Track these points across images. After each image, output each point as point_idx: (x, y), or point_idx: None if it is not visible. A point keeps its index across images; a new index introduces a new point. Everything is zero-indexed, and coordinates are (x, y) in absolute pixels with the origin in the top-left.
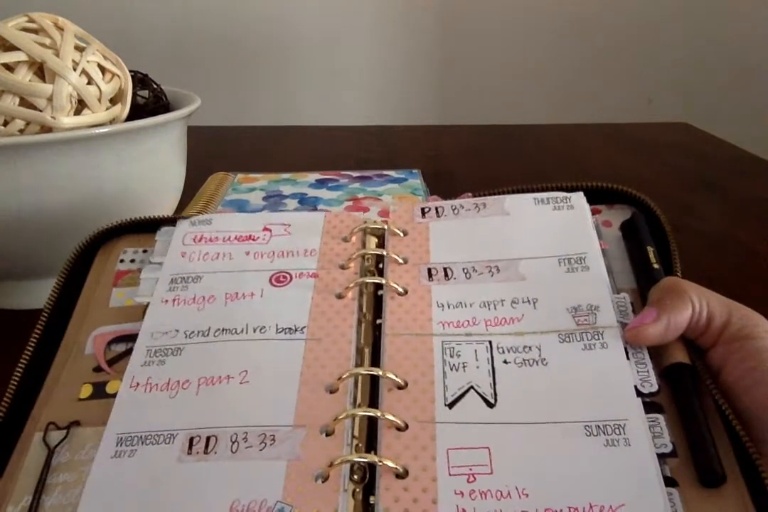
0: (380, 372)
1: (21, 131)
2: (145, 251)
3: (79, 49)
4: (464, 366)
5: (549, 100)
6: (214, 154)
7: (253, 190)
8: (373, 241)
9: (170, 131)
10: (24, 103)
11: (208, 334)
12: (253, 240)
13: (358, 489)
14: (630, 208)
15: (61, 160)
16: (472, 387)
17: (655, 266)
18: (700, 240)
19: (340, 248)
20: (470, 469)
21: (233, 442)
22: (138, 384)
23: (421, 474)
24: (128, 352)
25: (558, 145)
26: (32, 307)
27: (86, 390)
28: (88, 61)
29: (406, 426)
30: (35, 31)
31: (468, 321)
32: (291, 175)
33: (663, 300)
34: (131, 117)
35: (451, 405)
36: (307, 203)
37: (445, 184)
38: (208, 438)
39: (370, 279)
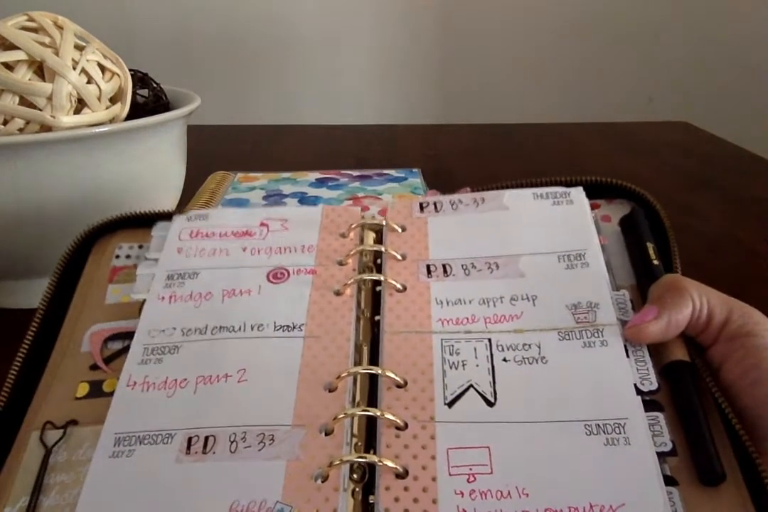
0: (379, 371)
1: (20, 130)
2: (140, 247)
3: (79, 48)
4: (464, 365)
5: (549, 99)
6: (214, 153)
7: (253, 189)
8: (371, 237)
9: (170, 130)
10: (24, 102)
11: (205, 332)
12: (250, 235)
13: (357, 489)
14: (629, 203)
15: (61, 159)
16: (471, 385)
17: (655, 262)
18: (700, 240)
19: (338, 244)
20: (470, 469)
21: (232, 442)
22: (135, 382)
23: (421, 473)
24: (125, 350)
25: (558, 144)
26: (32, 306)
27: (83, 389)
28: (87, 60)
29: (406, 426)
30: (35, 30)
31: (467, 318)
32: (291, 174)
33: (663, 298)
34: (131, 116)
35: (450, 404)
36: (307, 202)
37: (445, 182)
38: (206, 438)
39: (368, 276)
